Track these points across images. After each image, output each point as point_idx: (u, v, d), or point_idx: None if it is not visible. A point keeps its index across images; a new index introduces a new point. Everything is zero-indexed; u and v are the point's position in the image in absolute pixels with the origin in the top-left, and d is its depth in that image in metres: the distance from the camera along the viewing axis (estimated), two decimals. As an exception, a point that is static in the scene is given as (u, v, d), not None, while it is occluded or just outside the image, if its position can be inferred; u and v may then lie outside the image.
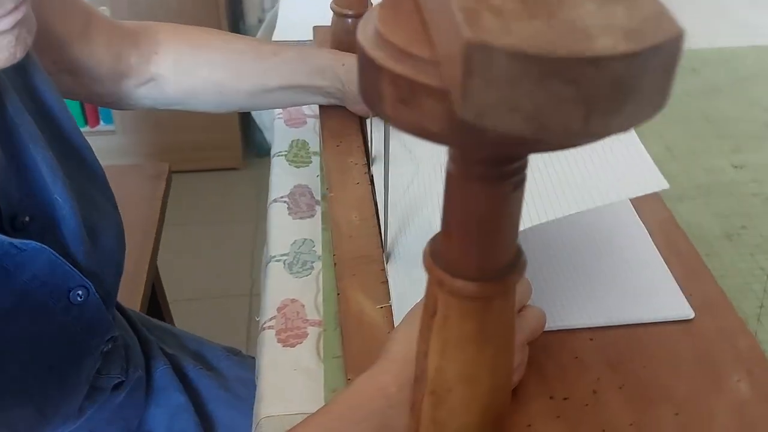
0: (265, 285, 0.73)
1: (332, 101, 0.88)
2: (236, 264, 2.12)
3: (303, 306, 0.70)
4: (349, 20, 0.95)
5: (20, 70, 0.65)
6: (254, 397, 0.90)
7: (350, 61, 0.84)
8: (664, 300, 0.61)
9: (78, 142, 0.71)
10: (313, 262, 0.76)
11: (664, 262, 0.65)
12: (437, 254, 0.34)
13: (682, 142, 0.91)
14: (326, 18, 1.07)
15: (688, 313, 0.61)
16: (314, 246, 0.78)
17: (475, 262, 0.33)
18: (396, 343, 0.48)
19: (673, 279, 0.64)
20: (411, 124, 0.27)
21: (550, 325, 0.58)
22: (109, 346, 0.72)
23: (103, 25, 0.78)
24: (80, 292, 0.65)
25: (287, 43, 1.14)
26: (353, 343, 0.59)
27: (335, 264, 0.68)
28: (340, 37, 0.96)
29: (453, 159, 0.31)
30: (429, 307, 0.35)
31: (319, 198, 0.84)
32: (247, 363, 0.97)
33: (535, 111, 0.22)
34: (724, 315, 0.61)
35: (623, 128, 0.22)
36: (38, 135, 0.65)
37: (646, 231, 0.69)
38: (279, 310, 0.70)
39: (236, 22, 2.32)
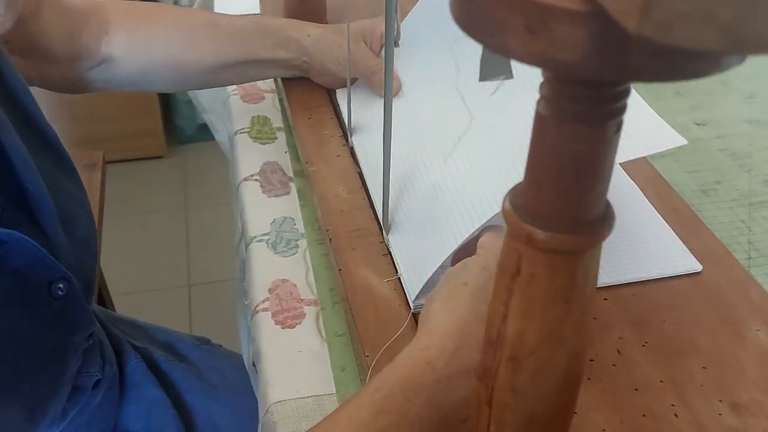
0: (250, 267, 0.69)
1: (296, 74, 0.84)
2: (171, 254, 2.05)
3: (295, 285, 0.67)
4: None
5: None
6: (231, 385, 0.86)
7: (315, 31, 0.81)
8: (670, 255, 0.61)
9: (45, 128, 0.66)
10: (297, 240, 0.72)
11: (662, 219, 0.65)
12: (522, 208, 0.31)
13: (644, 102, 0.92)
14: None
15: (696, 266, 0.60)
16: (295, 224, 0.74)
17: (569, 214, 0.30)
18: (435, 315, 0.46)
19: (675, 234, 0.63)
20: (538, 54, 0.24)
21: None
22: (90, 342, 0.67)
23: (54, 3, 0.73)
24: (61, 285, 0.61)
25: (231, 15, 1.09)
26: (366, 318, 0.56)
27: (330, 240, 0.64)
28: (293, 5, 0.92)
29: (549, 100, 0.29)
30: (509, 267, 0.32)
31: (291, 174, 0.81)
32: (217, 351, 0.92)
33: (735, 20, 0.19)
34: (729, 266, 0.61)
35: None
36: (6, 121, 0.60)
37: (639, 189, 0.69)
38: (271, 291, 0.66)
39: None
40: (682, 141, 0.53)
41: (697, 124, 0.90)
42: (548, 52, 0.24)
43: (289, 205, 0.76)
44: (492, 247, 0.49)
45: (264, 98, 0.94)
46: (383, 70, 0.76)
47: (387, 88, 0.56)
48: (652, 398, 0.51)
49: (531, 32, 0.24)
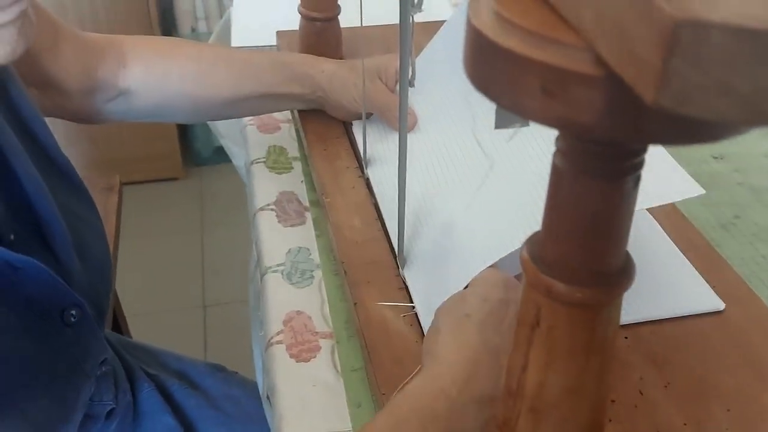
0: (265, 297, 0.69)
1: (311, 107, 0.85)
2: (186, 275, 2.05)
3: (310, 318, 0.66)
4: (318, 23, 0.91)
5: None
6: (246, 414, 0.86)
7: (330, 67, 0.81)
8: (692, 293, 0.60)
9: (59, 156, 0.67)
10: (312, 270, 0.72)
11: (683, 255, 0.64)
12: (541, 260, 0.31)
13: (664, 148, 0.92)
14: (283, 22, 1.04)
15: (718, 304, 0.59)
16: (310, 254, 0.74)
17: (588, 267, 0.30)
18: (443, 345, 0.47)
19: (696, 271, 0.62)
20: (554, 116, 0.24)
21: None
22: (103, 369, 0.67)
23: (71, 37, 0.74)
24: (74, 312, 0.62)
25: (248, 49, 1.09)
26: (381, 355, 0.56)
27: (345, 272, 0.64)
28: (310, 40, 0.93)
29: (566, 154, 0.29)
30: (528, 318, 0.32)
31: (307, 204, 0.81)
32: (233, 379, 0.92)
33: (754, 93, 0.19)
34: (751, 304, 0.60)
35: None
36: (21, 149, 0.61)
37: (658, 224, 0.68)
38: (285, 323, 0.66)
39: (168, 32, 2.24)
40: (700, 191, 0.53)
41: (715, 158, 0.89)
42: (564, 114, 0.24)
43: (304, 235, 0.76)
44: (486, 279, 0.51)
45: (280, 128, 0.94)
46: (398, 107, 0.77)
47: (402, 124, 0.56)
48: (673, 441, 0.50)
49: (547, 94, 0.24)
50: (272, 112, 0.90)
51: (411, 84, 0.53)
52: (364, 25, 0.98)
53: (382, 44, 0.97)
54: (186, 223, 2.23)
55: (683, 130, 0.23)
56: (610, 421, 0.50)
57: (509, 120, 0.35)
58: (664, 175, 0.54)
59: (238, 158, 1.32)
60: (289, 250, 0.74)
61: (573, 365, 0.32)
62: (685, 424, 0.51)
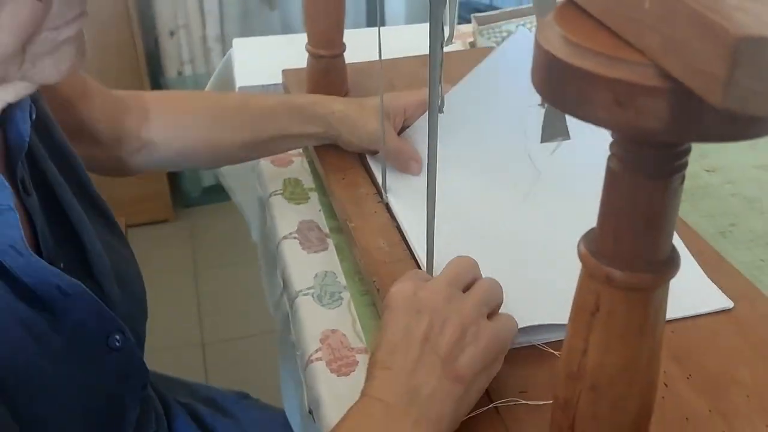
0: (299, 319, 0.73)
1: (325, 142, 0.89)
2: (183, 315, 2.07)
3: (344, 335, 0.70)
4: (325, 60, 0.96)
5: (40, 120, 0.65)
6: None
7: (340, 107, 0.86)
8: (702, 293, 0.65)
9: (97, 194, 0.70)
10: (340, 292, 0.76)
11: (692, 258, 0.69)
12: (599, 252, 0.36)
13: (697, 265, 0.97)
14: (284, 61, 1.10)
15: (728, 303, 0.64)
16: (337, 277, 0.78)
17: (642, 256, 0.35)
18: (386, 353, 0.54)
19: (704, 273, 0.67)
20: (625, 124, 0.29)
21: None
22: (144, 393, 0.70)
23: (97, 89, 0.80)
24: (117, 337, 0.65)
25: (254, 88, 1.14)
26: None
27: (378, 290, 0.68)
28: (317, 77, 0.98)
29: (621, 158, 0.33)
30: (588, 306, 0.36)
31: (327, 231, 0.85)
32: (257, 405, 0.95)
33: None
34: (758, 302, 0.65)
35: None
36: (65, 185, 0.64)
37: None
38: (322, 341, 0.69)
39: (156, 76, 2.29)
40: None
41: (707, 171, 0.94)
42: (635, 122, 0.29)
43: (328, 260, 0.80)
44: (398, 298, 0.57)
45: (293, 161, 0.98)
46: (405, 151, 0.80)
47: (431, 143, 0.60)
48: (704, 427, 0.54)
49: (619, 105, 0.28)
50: (290, 149, 0.95)
51: (440, 110, 0.58)
52: (365, 60, 1.04)
53: (386, 80, 1.02)
54: (179, 264, 2.26)
55: (736, 129, 0.28)
56: (643, 411, 0.55)
57: (554, 134, 0.40)
58: (695, 288, 0.62)
59: (238, 195, 1.36)
60: (316, 275, 0.78)
61: (629, 345, 0.37)
62: (710, 411, 0.55)
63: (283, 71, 1.08)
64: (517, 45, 0.81)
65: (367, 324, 0.71)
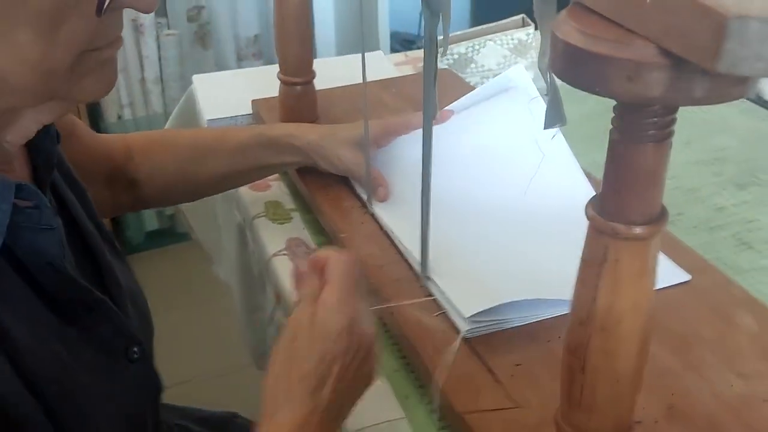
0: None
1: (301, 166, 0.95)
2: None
3: (348, 335, 0.76)
4: (298, 87, 1.03)
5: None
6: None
7: (313, 137, 0.91)
8: (664, 270, 0.73)
9: (99, 219, 0.74)
10: (336, 299, 0.82)
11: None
12: (605, 211, 0.43)
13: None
14: (246, 93, 1.17)
15: (686, 276, 0.73)
16: (330, 286, 0.84)
17: (642, 211, 0.43)
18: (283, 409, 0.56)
19: (663, 254, 0.76)
20: (635, 94, 0.37)
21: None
22: (159, 404, 0.74)
23: (85, 129, 0.84)
24: (136, 349, 0.68)
25: (223, 120, 1.20)
26: (426, 347, 0.67)
27: (377, 290, 0.75)
28: (291, 104, 1.05)
29: (621, 128, 0.41)
30: (597, 257, 0.44)
31: (315, 246, 0.91)
32: (248, 423, 0.99)
33: (774, 57, 0.32)
34: (711, 273, 0.75)
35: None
36: (80, 209, 0.69)
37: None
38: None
39: (95, 119, 2.30)
40: (687, 276, 0.72)
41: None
42: (643, 92, 0.37)
43: (319, 272, 0.86)
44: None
45: (271, 186, 1.04)
46: (374, 178, 0.88)
47: (425, 154, 0.68)
48: (680, 379, 0.63)
49: (630, 81, 0.37)
50: (270, 175, 1.00)
51: (434, 117, 0.65)
52: (333, 87, 1.11)
53: (351, 103, 1.10)
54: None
55: (719, 92, 0.36)
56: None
57: (554, 121, 0.48)
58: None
59: (199, 232, 1.40)
60: (311, 285, 0.84)
61: (633, 287, 0.44)
62: (681, 366, 0.64)
63: (253, 101, 1.14)
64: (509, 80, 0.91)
65: (365, 323, 0.77)
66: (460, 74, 1.21)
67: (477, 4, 2.49)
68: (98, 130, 2.25)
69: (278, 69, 1.03)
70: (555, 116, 0.48)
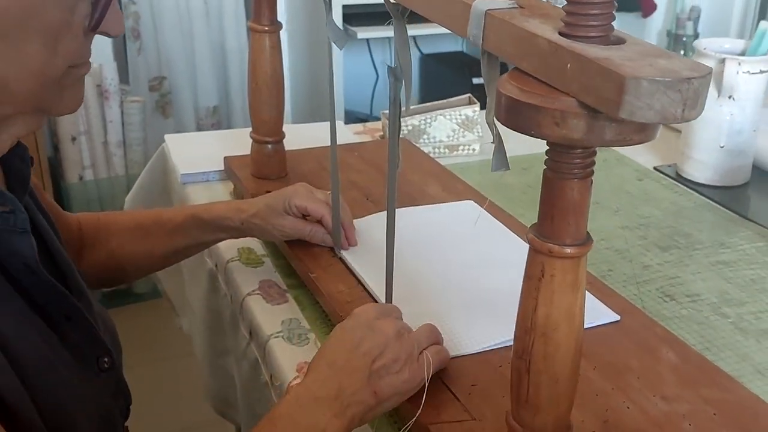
0: (274, 357, 0.86)
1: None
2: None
3: (316, 364, 0.84)
4: (269, 146, 1.14)
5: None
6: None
7: (246, 216, 0.95)
8: (597, 311, 0.84)
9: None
10: (306, 333, 0.90)
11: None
12: (542, 234, 0.53)
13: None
14: (220, 150, 1.27)
15: (616, 317, 0.84)
16: (301, 323, 0.92)
17: (573, 233, 0.52)
18: (332, 351, 0.69)
19: (595, 297, 0.87)
20: (560, 136, 0.47)
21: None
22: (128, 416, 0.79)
23: (48, 199, 0.87)
24: (106, 359, 0.74)
25: (197, 175, 1.28)
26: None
27: (344, 322, 0.83)
28: (262, 160, 1.15)
29: (554, 168, 0.52)
30: (535, 273, 0.53)
31: (285, 288, 0.99)
32: None
33: (661, 108, 0.43)
34: (637, 315, 0.85)
35: (697, 116, 0.44)
36: (51, 232, 0.75)
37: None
38: (299, 369, 0.83)
39: (57, 181, 2.34)
40: (617, 317, 0.82)
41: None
42: (566, 135, 0.47)
43: (291, 310, 0.94)
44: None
45: (244, 235, 1.12)
46: (316, 233, 0.96)
47: (390, 200, 0.77)
48: (610, 399, 0.72)
49: (557, 125, 0.47)
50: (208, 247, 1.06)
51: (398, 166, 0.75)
52: (300, 148, 1.22)
53: (317, 162, 1.20)
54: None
55: (627, 136, 0.47)
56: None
57: (500, 165, 0.58)
58: (591, 307, 0.78)
59: (165, 282, 1.46)
60: (282, 321, 0.92)
61: (566, 299, 0.54)
62: (613, 389, 0.73)
63: (226, 158, 1.24)
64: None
65: (331, 355, 0.85)
66: (414, 143, 1.32)
67: (426, 83, 2.66)
68: (59, 190, 2.32)
69: (243, 132, 1.13)
70: (500, 161, 0.58)
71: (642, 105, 0.43)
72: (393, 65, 0.71)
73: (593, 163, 0.52)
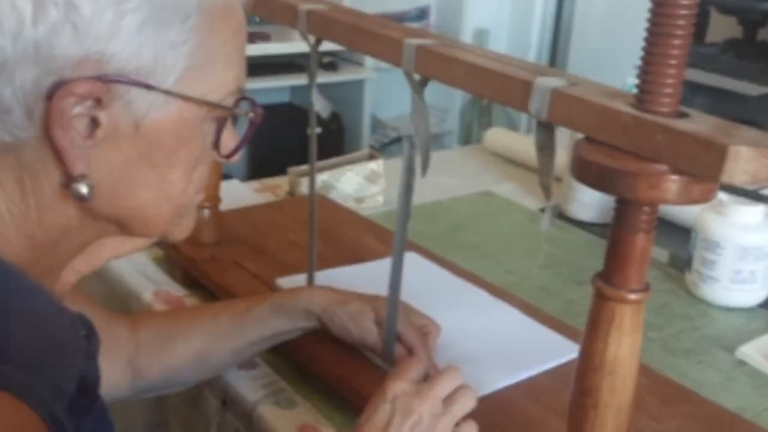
0: (266, 421, 0.85)
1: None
2: None
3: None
4: (206, 211, 1.11)
5: None
6: None
7: (324, 302, 0.87)
8: (558, 349, 0.92)
9: None
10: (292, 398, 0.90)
11: (545, 327, 0.97)
12: (612, 282, 0.60)
13: (470, 262, 1.22)
14: None
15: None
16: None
17: (639, 280, 0.60)
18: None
19: (558, 335, 0.95)
20: (654, 198, 0.54)
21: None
22: None
23: (83, 298, 0.79)
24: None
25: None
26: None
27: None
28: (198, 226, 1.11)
29: (624, 224, 0.59)
30: (607, 318, 0.60)
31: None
32: None
33: (754, 172, 0.52)
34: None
35: None
36: None
37: (517, 310, 1.00)
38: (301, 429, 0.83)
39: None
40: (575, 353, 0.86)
41: (507, 272, 1.25)
42: (660, 197, 0.54)
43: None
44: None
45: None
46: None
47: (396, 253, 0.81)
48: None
49: (651, 188, 0.54)
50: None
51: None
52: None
53: (248, 224, 1.20)
54: None
55: (708, 194, 0.55)
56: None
57: (550, 222, 0.65)
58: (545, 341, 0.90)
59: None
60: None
61: (630, 339, 0.60)
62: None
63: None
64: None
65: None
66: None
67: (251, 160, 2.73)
68: None
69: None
70: (550, 219, 0.65)
71: (739, 170, 0.51)
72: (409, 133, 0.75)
73: (657, 217, 0.60)
